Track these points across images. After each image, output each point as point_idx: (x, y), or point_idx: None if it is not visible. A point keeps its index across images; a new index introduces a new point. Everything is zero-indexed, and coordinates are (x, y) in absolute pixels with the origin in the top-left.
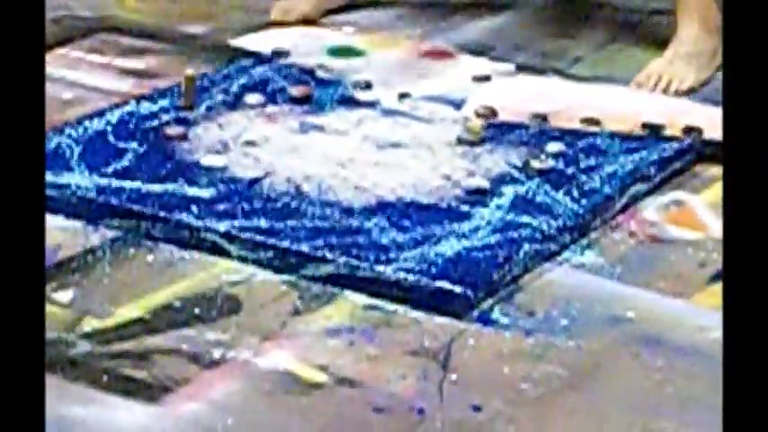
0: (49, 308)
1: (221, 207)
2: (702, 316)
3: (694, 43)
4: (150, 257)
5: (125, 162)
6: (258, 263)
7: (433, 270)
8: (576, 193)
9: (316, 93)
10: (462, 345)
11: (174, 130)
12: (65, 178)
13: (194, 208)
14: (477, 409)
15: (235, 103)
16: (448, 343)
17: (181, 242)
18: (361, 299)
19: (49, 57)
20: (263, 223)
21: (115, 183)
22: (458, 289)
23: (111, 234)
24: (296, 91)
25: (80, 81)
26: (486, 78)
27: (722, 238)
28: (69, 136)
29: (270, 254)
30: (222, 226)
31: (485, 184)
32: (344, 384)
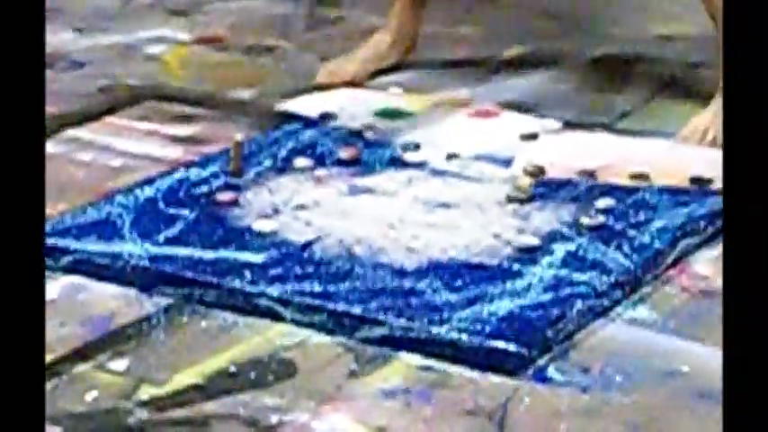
0: (105, 376)
1: (274, 271)
2: None
3: None
4: (204, 324)
5: (177, 229)
6: (312, 326)
7: (487, 329)
8: (626, 249)
9: (364, 154)
10: (518, 403)
11: (224, 196)
12: (117, 246)
13: (247, 273)
14: None
15: (284, 168)
16: (504, 402)
17: (235, 308)
18: (416, 360)
19: (96, 125)
20: (317, 287)
21: (168, 250)
22: (512, 347)
23: (164, 301)
24: (344, 153)
25: (129, 149)
26: (534, 136)
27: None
28: (120, 204)
29: (324, 317)
30: (275, 290)
31: (535, 241)
32: None
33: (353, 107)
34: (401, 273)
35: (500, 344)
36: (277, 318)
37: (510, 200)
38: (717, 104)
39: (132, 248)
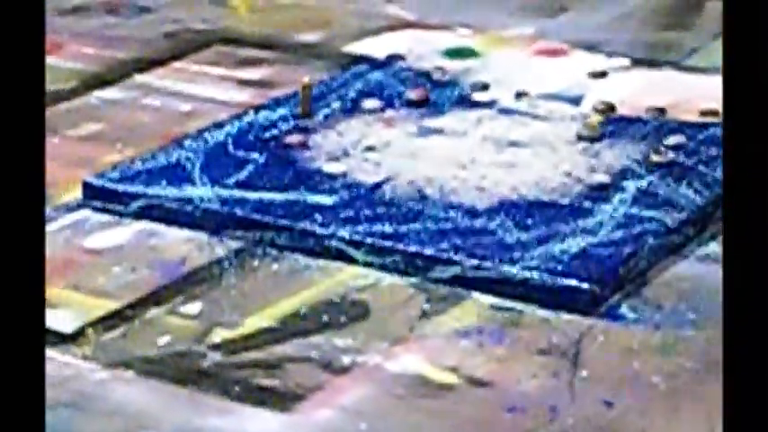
0: (177, 320)
1: (344, 213)
2: None
3: None
4: (276, 267)
5: (247, 172)
6: (384, 267)
7: (559, 267)
8: (697, 185)
9: (433, 95)
10: (591, 341)
11: (293, 139)
12: (187, 191)
13: (318, 215)
14: (608, 404)
15: (352, 109)
16: (577, 340)
17: (306, 250)
18: (489, 299)
19: (164, 71)
20: (388, 228)
21: (238, 193)
22: (584, 285)
23: (235, 245)
24: (413, 94)
25: (197, 93)
26: (603, 74)
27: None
28: (190, 149)
29: (395, 258)
30: (346, 232)
31: (606, 179)
32: (476, 385)
33: (421, 48)
34: (472, 212)
35: (572, 282)
36: (348, 260)
37: (580, 138)
38: None
39: (202, 192)
